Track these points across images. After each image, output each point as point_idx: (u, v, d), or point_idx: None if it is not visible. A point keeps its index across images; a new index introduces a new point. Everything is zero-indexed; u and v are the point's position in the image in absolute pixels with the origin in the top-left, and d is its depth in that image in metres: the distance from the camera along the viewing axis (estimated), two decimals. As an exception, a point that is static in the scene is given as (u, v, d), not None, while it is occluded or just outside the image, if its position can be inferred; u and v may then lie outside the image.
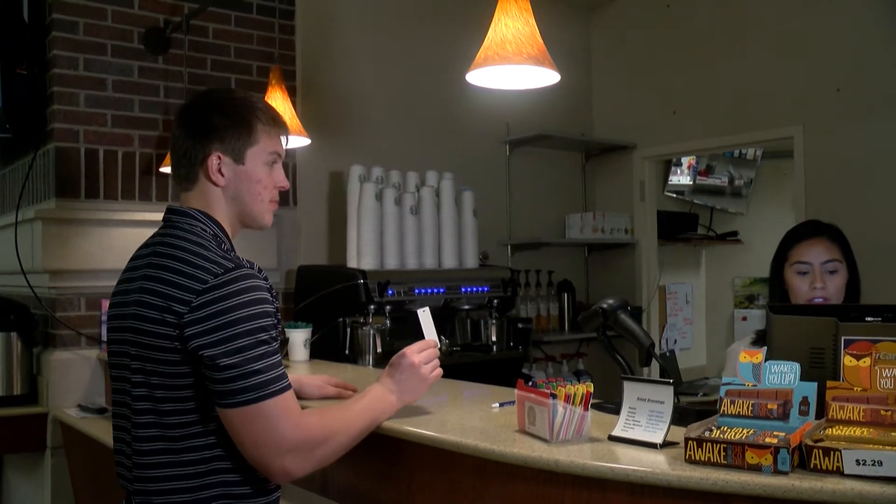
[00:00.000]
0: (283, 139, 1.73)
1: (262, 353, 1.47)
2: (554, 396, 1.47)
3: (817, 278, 2.21)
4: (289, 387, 1.51)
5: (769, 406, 1.32)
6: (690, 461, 1.28)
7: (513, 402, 1.65)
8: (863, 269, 3.08)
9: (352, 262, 3.50)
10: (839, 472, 1.18)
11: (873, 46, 3.81)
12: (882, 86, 3.78)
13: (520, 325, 3.76)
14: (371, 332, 3.07)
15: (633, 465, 1.31)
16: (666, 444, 1.39)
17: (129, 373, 1.56)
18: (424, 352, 1.77)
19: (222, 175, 1.64)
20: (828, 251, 2.23)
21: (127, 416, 1.58)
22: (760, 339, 2.25)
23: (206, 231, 1.60)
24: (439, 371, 1.78)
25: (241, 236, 1.73)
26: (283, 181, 1.73)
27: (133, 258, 1.68)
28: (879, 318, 1.57)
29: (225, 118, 1.64)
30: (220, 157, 1.63)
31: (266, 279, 1.59)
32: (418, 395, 1.75)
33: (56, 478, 3.21)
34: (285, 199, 3.70)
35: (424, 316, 1.83)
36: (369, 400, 1.69)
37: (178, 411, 1.52)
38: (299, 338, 2.81)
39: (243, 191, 1.66)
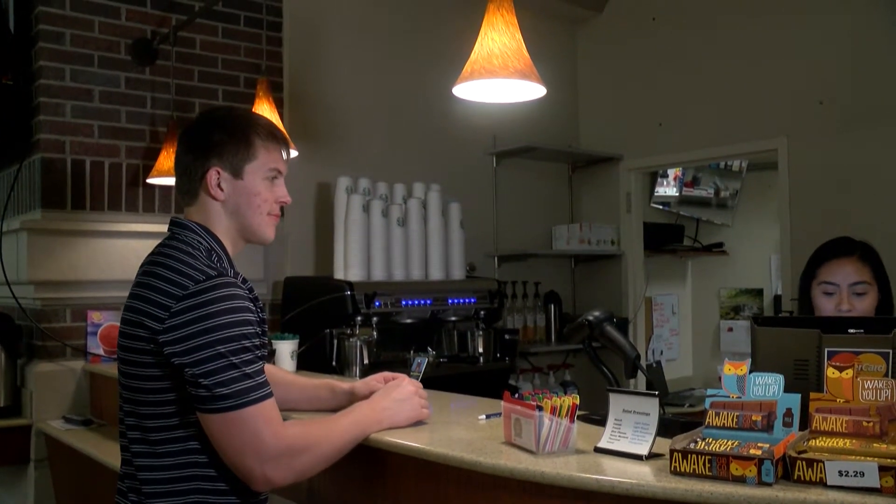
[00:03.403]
0: (283, 154, 1.74)
1: (242, 360, 1.48)
2: (540, 409, 1.48)
3: (844, 300, 2.12)
4: (270, 395, 1.52)
5: (753, 418, 1.33)
6: (676, 473, 1.29)
7: (499, 414, 1.65)
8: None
9: (339, 274, 3.50)
10: (822, 483, 1.19)
11: (856, 59, 3.85)
12: (864, 98, 3.82)
13: (506, 337, 3.76)
14: (358, 343, 3.06)
15: (619, 476, 1.32)
16: (651, 456, 1.40)
17: (121, 377, 1.59)
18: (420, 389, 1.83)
19: (221, 190, 1.66)
20: (857, 272, 2.12)
21: (122, 419, 1.61)
22: None
23: (200, 243, 1.63)
24: (427, 412, 1.82)
25: (232, 249, 1.74)
26: (284, 196, 1.75)
27: (138, 269, 1.68)
28: (862, 330, 1.59)
29: (223, 134, 1.67)
30: (218, 172, 1.66)
31: (251, 290, 1.61)
32: (404, 422, 1.76)
33: (39, 491, 3.18)
34: (272, 210, 3.69)
35: (423, 365, 1.95)
36: (357, 415, 1.70)
37: (157, 415, 1.54)
38: (286, 349, 2.81)
39: (242, 205, 1.68)
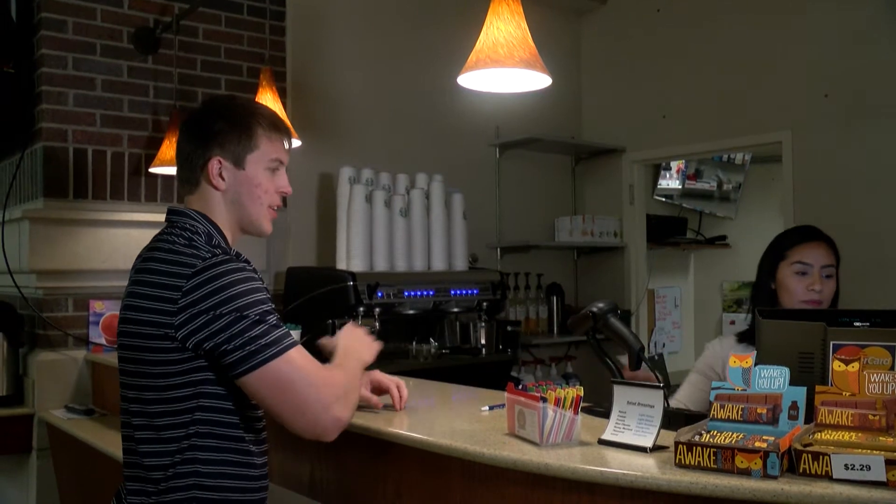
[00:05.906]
0: (285, 145, 1.74)
1: (264, 320, 1.50)
2: (544, 400, 1.47)
3: (816, 280, 2.21)
4: (296, 342, 1.55)
5: (759, 410, 1.33)
6: (680, 465, 1.28)
7: (502, 406, 1.65)
8: (850, 273, 3.07)
9: (341, 264, 3.50)
10: (828, 477, 1.18)
11: (861, 52, 3.83)
12: (869, 92, 3.80)
13: (509, 328, 3.76)
14: (360, 334, 3.05)
15: (623, 468, 1.31)
16: (656, 448, 1.39)
17: (127, 364, 1.58)
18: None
19: (223, 179, 1.66)
20: (827, 256, 2.25)
21: (127, 410, 1.60)
22: (745, 339, 2.26)
23: (201, 229, 1.63)
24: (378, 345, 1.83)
25: (234, 239, 1.73)
26: (285, 186, 1.75)
27: (135, 260, 1.67)
28: (867, 323, 1.58)
29: (225, 123, 1.66)
30: (220, 162, 1.65)
31: (254, 271, 1.60)
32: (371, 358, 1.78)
33: (42, 480, 3.18)
34: (275, 200, 3.69)
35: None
36: (352, 356, 1.72)
37: (161, 400, 1.53)
38: (288, 340, 2.80)
39: (243, 195, 1.68)
